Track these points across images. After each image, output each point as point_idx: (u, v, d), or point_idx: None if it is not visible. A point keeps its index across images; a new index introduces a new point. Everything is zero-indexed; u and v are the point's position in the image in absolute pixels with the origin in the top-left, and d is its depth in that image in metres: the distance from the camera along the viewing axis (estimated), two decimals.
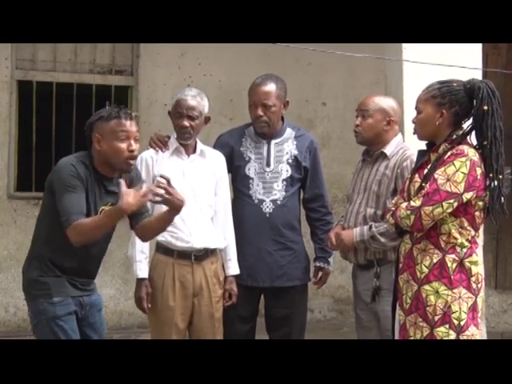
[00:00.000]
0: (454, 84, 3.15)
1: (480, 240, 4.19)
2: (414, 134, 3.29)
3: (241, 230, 3.89)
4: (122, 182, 3.06)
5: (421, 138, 3.26)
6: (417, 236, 3.14)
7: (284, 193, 3.93)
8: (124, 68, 5.98)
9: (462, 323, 3.05)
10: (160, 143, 3.79)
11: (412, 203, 3.08)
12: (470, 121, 3.16)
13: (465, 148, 3.08)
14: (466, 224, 3.10)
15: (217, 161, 3.85)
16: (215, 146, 3.98)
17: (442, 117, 3.14)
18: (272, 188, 3.92)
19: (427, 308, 3.07)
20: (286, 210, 3.93)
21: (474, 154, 3.08)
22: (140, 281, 3.71)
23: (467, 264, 3.08)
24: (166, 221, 3.28)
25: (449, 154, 3.09)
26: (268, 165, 3.93)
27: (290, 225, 3.95)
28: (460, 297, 3.06)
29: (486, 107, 3.08)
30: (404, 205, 3.11)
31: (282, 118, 3.99)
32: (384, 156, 3.69)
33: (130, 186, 3.17)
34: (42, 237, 3.22)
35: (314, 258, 4.07)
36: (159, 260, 3.74)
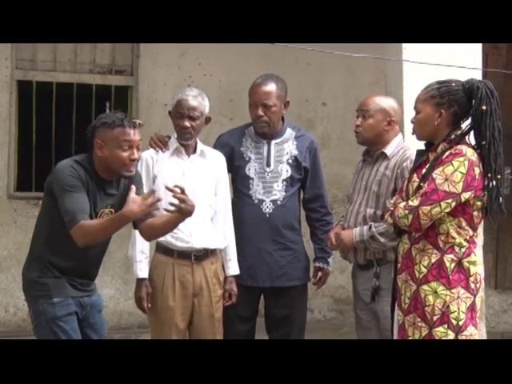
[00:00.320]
0: (453, 84, 3.15)
1: (480, 240, 4.20)
2: (412, 134, 3.29)
3: (241, 230, 3.89)
4: (133, 187, 3.08)
5: (419, 137, 3.26)
6: (415, 236, 3.14)
7: (284, 193, 3.93)
8: (124, 68, 5.98)
9: (461, 323, 3.05)
10: (160, 143, 3.79)
11: (410, 203, 3.08)
12: (469, 121, 3.16)
13: (463, 148, 3.08)
14: (464, 224, 3.10)
15: (217, 161, 3.85)
16: (215, 146, 3.98)
17: (441, 117, 3.14)
18: (272, 188, 3.92)
19: (426, 308, 3.07)
20: (286, 210, 3.93)
21: (472, 154, 3.08)
22: (140, 281, 3.71)
23: (466, 264, 3.08)
24: (173, 224, 3.28)
25: (447, 153, 3.09)
26: (268, 165, 3.94)
27: (290, 225, 3.95)
28: (458, 297, 3.06)
29: (484, 107, 3.08)
30: (402, 204, 3.12)
31: (283, 119, 3.99)
32: (384, 156, 3.70)
33: (129, 185, 3.17)
34: (41, 238, 3.22)
35: (313, 259, 4.07)
36: (159, 260, 3.74)
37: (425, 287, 3.08)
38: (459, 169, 3.04)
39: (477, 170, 3.06)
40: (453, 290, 3.05)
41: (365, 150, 3.83)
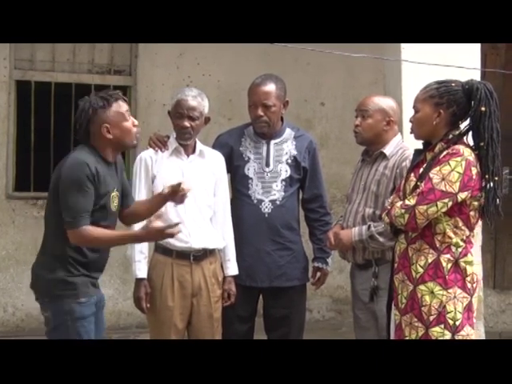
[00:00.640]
0: (453, 84, 3.15)
1: (478, 240, 4.20)
2: (411, 133, 3.30)
3: (240, 230, 3.89)
4: (159, 214, 3.13)
5: (417, 137, 3.26)
6: (412, 236, 3.14)
7: (283, 193, 3.93)
8: (122, 68, 5.98)
9: (457, 323, 3.06)
10: (159, 143, 3.79)
11: (407, 202, 3.09)
12: (468, 121, 3.16)
13: (460, 148, 3.09)
14: (460, 224, 3.10)
15: (216, 161, 3.85)
16: (214, 146, 3.98)
17: (440, 117, 3.14)
18: (271, 188, 3.92)
19: (422, 308, 3.08)
20: (285, 210, 3.93)
21: (469, 154, 3.08)
22: (139, 281, 3.71)
23: (462, 264, 3.09)
24: (156, 208, 3.28)
25: (444, 153, 3.09)
26: (267, 165, 3.94)
27: (289, 225, 3.95)
28: (455, 297, 3.06)
29: (483, 108, 3.08)
30: (399, 203, 3.12)
31: (282, 119, 4.00)
32: (383, 156, 3.70)
33: (116, 166, 3.24)
34: (60, 236, 3.14)
35: (312, 259, 4.07)
36: (158, 260, 3.74)
37: (421, 287, 3.08)
38: (456, 169, 3.04)
39: (474, 170, 3.07)
40: (449, 290, 3.06)
41: (364, 150, 3.84)
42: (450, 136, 3.15)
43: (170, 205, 3.67)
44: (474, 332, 3.18)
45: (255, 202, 3.91)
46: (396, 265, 3.21)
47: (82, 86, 5.85)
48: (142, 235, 3.09)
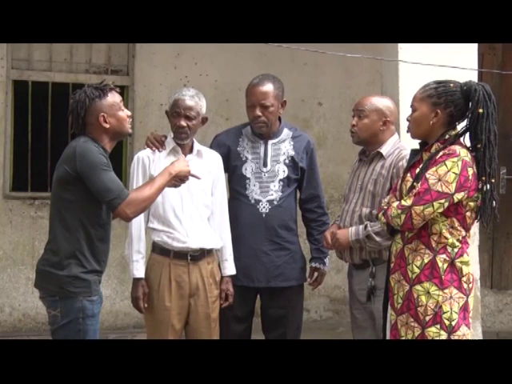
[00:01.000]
0: (451, 85, 3.15)
1: (475, 240, 4.21)
2: (407, 131, 3.30)
3: (237, 230, 3.89)
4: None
5: (414, 136, 3.26)
6: (408, 236, 3.15)
7: (280, 193, 3.93)
8: (120, 68, 5.97)
9: (453, 323, 3.06)
10: (156, 143, 3.79)
11: (403, 202, 3.09)
12: (465, 122, 3.16)
13: (457, 148, 3.09)
14: (456, 224, 3.10)
15: (213, 161, 3.85)
16: (212, 146, 3.98)
17: (437, 116, 3.15)
18: (269, 188, 3.92)
19: (418, 308, 3.08)
20: (283, 210, 3.93)
21: (466, 155, 3.08)
22: (136, 281, 3.71)
23: (458, 264, 3.09)
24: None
25: (441, 153, 3.09)
26: (265, 165, 3.94)
27: (286, 225, 3.95)
28: (451, 297, 3.06)
29: (481, 110, 3.08)
30: (395, 204, 3.12)
31: (280, 119, 3.99)
32: (380, 156, 3.70)
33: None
34: (74, 231, 3.13)
35: (310, 259, 4.07)
36: (155, 260, 3.74)
37: (417, 287, 3.09)
38: (452, 169, 3.05)
39: (470, 171, 3.07)
40: (445, 291, 3.06)
41: (361, 150, 3.84)
42: (447, 136, 3.15)
43: (168, 204, 3.68)
44: (471, 332, 3.18)
45: (253, 202, 3.91)
46: (392, 265, 3.21)
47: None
48: (169, 167, 3.24)
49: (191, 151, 3.80)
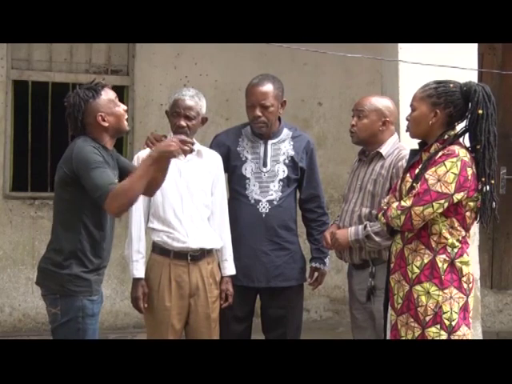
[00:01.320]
0: (451, 85, 3.15)
1: (476, 240, 4.21)
2: (406, 131, 3.30)
3: (237, 230, 3.89)
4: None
5: (413, 135, 3.27)
6: (408, 236, 3.14)
7: (280, 193, 3.93)
8: (120, 68, 5.97)
9: (454, 323, 3.06)
10: (156, 143, 3.78)
11: (402, 203, 3.09)
12: (464, 123, 3.16)
13: (456, 148, 3.09)
14: (456, 224, 3.10)
15: (213, 161, 3.85)
16: (212, 146, 3.98)
17: (436, 116, 3.15)
18: (268, 188, 3.92)
19: (418, 308, 3.08)
20: (282, 210, 3.93)
21: (465, 155, 3.08)
22: (136, 281, 3.71)
23: (458, 264, 3.09)
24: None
25: (440, 154, 3.09)
26: (265, 165, 3.94)
27: (286, 225, 3.95)
28: (451, 297, 3.06)
29: (480, 111, 3.08)
30: (395, 204, 3.12)
31: (279, 119, 4.00)
32: (380, 156, 3.70)
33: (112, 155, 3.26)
34: (75, 230, 3.14)
35: (310, 259, 4.07)
36: (155, 260, 3.74)
37: (417, 287, 3.09)
38: (452, 169, 3.04)
39: (469, 171, 3.07)
40: (445, 291, 3.06)
41: (360, 150, 3.84)
42: (446, 136, 3.15)
43: (168, 204, 3.68)
44: (471, 332, 3.18)
45: (252, 202, 3.91)
46: (392, 265, 3.21)
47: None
48: (153, 153, 3.07)
49: (191, 151, 3.79)
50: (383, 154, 3.69)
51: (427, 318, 3.06)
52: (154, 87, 5.90)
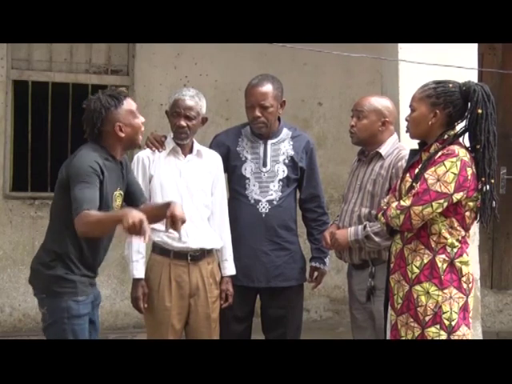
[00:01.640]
0: (450, 85, 3.15)
1: (476, 240, 4.21)
2: (406, 131, 3.30)
3: (237, 230, 3.89)
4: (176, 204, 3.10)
5: (413, 136, 3.27)
6: (407, 236, 3.15)
7: (280, 193, 3.93)
8: (120, 68, 5.97)
9: (453, 323, 3.06)
10: (156, 143, 3.79)
11: (402, 203, 3.09)
12: (464, 123, 3.16)
13: (455, 148, 3.09)
14: (456, 224, 3.10)
15: (213, 161, 3.85)
16: (211, 146, 3.98)
17: (436, 117, 3.15)
18: (268, 188, 3.92)
19: (418, 308, 3.08)
20: (282, 210, 3.93)
21: (464, 155, 3.08)
22: (136, 281, 3.71)
23: (458, 264, 3.09)
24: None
25: (440, 153, 3.09)
26: (264, 165, 3.94)
27: (286, 225, 3.95)
28: (451, 297, 3.06)
29: (480, 111, 3.08)
30: (394, 204, 3.12)
31: (279, 119, 4.00)
32: (379, 156, 3.70)
33: (122, 165, 3.24)
34: (63, 233, 3.14)
35: (310, 259, 4.07)
36: (155, 260, 3.74)
37: (417, 287, 3.09)
38: (451, 169, 3.05)
39: (469, 171, 3.07)
40: (445, 291, 3.06)
41: (360, 150, 3.84)
42: (446, 136, 3.15)
43: None
44: (471, 332, 3.18)
45: (252, 202, 3.91)
46: (392, 265, 3.21)
47: (80, 85, 5.85)
48: (126, 214, 2.86)
49: (191, 151, 3.80)
50: (383, 154, 3.69)
51: (427, 318, 3.06)
52: (154, 87, 5.90)
